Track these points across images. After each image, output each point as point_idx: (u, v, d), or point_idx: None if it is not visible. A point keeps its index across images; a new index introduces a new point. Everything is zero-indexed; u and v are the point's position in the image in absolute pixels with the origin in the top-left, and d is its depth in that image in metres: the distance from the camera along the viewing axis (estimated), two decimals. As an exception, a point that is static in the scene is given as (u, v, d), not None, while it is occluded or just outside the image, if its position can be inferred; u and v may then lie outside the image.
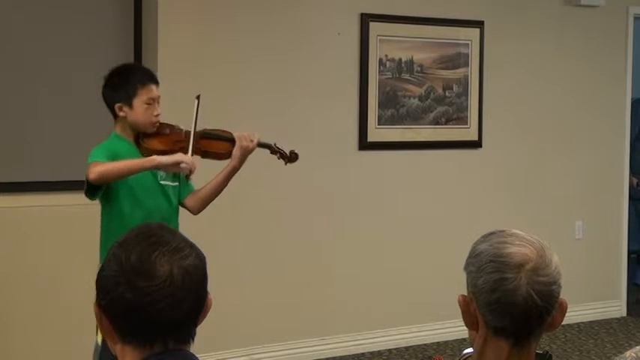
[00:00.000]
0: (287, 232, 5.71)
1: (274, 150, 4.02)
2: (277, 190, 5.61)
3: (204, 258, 1.65)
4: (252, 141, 3.85)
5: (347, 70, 5.88)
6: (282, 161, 4.06)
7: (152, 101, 3.70)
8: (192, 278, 1.61)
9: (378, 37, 5.95)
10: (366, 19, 5.90)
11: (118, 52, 5.17)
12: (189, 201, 3.89)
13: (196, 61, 5.36)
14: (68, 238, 4.99)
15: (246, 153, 3.86)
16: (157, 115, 3.73)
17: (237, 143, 3.84)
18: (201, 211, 3.92)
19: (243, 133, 3.87)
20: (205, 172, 3.87)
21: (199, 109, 3.83)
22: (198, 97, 3.86)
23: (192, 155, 3.73)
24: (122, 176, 3.57)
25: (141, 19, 5.34)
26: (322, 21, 5.79)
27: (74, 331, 4.86)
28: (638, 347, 1.88)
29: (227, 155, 3.87)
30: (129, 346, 1.61)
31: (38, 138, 5.07)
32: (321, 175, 5.80)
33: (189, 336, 1.64)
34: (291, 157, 4.05)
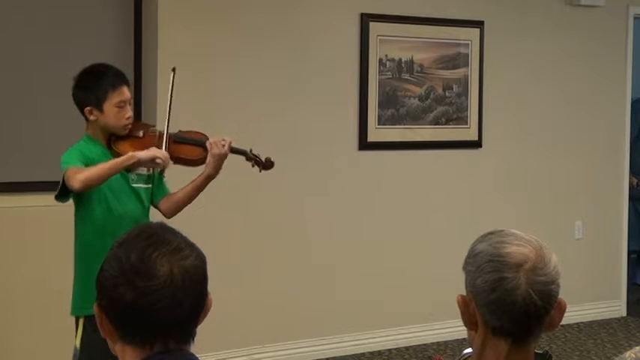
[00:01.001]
0: (287, 231, 5.71)
1: (249, 157, 3.88)
2: (277, 190, 5.61)
3: (205, 258, 1.65)
4: (223, 146, 3.70)
5: (347, 70, 5.88)
6: (256, 168, 3.90)
7: (123, 104, 3.61)
8: (193, 278, 1.61)
9: (378, 37, 5.95)
10: (366, 19, 5.90)
11: (118, 52, 5.17)
12: (163, 204, 3.79)
13: (196, 61, 5.35)
14: (68, 238, 4.98)
15: (219, 160, 3.71)
16: (129, 118, 3.64)
17: (209, 151, 3.70)
18: (174, 215, 3.75)
19: (215, 138, 3.73)
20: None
21: (174, 83, 3.74)
22: (173, 70, 3.78)
23: (166, 149, 3.63)
24: (106, 179, 3.49)
25: (141, 19, 5.34)
26: (322, 21, 5.79)
27: (73, 331, 4.85)
28: (637, 347, 1.88)
29: (200, 162, 3.75)
30: (129, 346, 1.61)
31: (38, 138, 5.07)
32: (321, 175, 5.80)
33: (190, 336, 1.64)
34: (266, 165, 3.90)
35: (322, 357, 5.80)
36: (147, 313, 1.57)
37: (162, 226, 1.68)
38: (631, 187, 7.23)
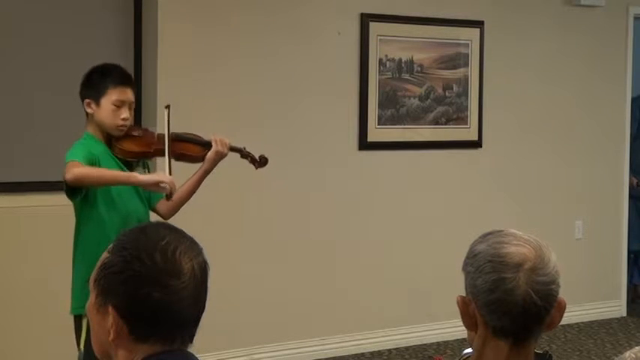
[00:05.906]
0: (287, 231, 5.70)
1: (244, 154, 3.99)
2: (277, 190, 5.61)
3: None
4: (226, 145, 3.82)
5: (347, 70, 5.88)
6: (252, 166, 4.02)
7: (121, 104, 3.62)
8: (204, 274, 1.62)
9: (378, 37, 5.95)
10: (366, 19, 5.90)
11: (118, 52, 5.16)
12: (161, 206, 3.82)
13: (196, 61, 5.36)
14: (67, 239, 4.97)
15: (220, 157, 3.82)
16: (124, 119, 3.64)
17: (214, 147, 3.79)
18: (172, 215, 3.81)
19: (218, 137, 3.82)
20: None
21: (170, 118, 3.77)
22: (168, 107, 3.81)
23: (170, 172, 3.65)
24: (98, 185, 3.54)
25: (141, 19, 5.34)
26: (322, 21, 5.79)
27: (72, 332, 4.85)
28: (637, 348, 1.88)
29: (200, 158, 3.83)
30: (144, 345, 1.58)
31: (37, 138, 5.07)
32: (321, 175, 5.80)
33: (194, 334, 1.64)
34: (260, 162, 4.02)
35: (322, 357, 5.80)
36: (174, 311, 1.56)
37: (165, 224, 1.68)
38: (631, 187, 7.23)
